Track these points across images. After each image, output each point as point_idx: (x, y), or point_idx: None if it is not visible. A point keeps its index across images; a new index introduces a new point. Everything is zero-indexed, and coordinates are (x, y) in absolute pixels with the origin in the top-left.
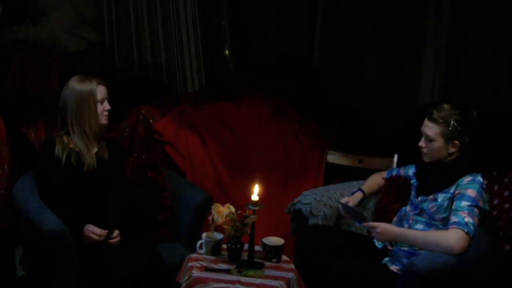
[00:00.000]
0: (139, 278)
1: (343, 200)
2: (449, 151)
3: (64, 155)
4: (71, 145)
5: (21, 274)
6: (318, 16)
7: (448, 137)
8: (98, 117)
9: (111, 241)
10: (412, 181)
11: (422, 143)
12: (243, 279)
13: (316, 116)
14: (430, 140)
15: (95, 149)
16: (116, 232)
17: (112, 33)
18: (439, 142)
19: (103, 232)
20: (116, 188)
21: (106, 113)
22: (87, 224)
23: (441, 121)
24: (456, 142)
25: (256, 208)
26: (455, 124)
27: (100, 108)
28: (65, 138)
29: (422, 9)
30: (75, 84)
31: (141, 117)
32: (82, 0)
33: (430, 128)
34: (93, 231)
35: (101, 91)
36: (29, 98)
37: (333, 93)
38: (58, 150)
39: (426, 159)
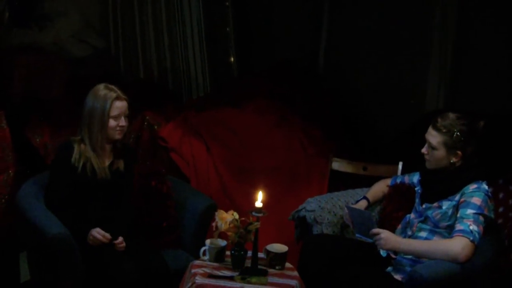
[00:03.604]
0: (143, 284)
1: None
2: (451, 161)
3: (81, 163)
4: (87, 154)
5: (25, 280)
6: (323, 23)
7: (450, 147)
8: (108, 132)
9: (116, 246)
10: (416, 189)
11: (424, 149)
12: (246, 286)
13: (321, 122)
14: (432, 148)
15: (110, 160)
16: (120, 238)
17: (117, 39)
18: (441, 151)
19: (108, 235)
20: (126, 196)
21: (119, 128)
22: (94, 228)
23: (444, 130)
24: (459, 152)
25: (260, 215)
26: (459, 134)
27: (112, 123)
28: (82, 145)
29: (428, 16)
30: (95, 94)
31: (146, 123)
32: (88, 6)
33: (433, 137)
34: (100, 232)
35: (118, 107)
36: (34, 102)
37: (338, 99)
38: (75, 157)
39: (428, 165)
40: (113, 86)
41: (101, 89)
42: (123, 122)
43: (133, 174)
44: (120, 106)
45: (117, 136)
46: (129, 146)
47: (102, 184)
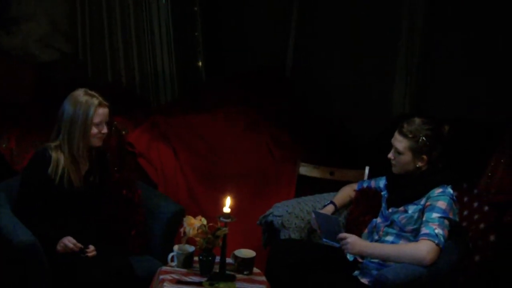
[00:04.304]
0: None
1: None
2: (417, 165)
3: (59, 173)
4: (65, 162)
5: None
6: (291, 28)
7: (416, 152)
8: (89, 139)
9: (87, 254)
10: (383, 193)
11: (391, 154)
12: None
13: (289, 127)
14: (398, 153)
15: (86, 167)
16: (91, 247)
17: (85, 43)
18: (407, 156)
19: (79, 244)
20: (100, 204)
21: (100, 135)
22: (65, 236)
23: (410, 135)
24: (424, 157)
25: (228, 220)
26: (424, 139)
27: (95, 130)
28: (59, 153)
29: (395, 21)
30: (75, 100)
31: (113, 128)
32: (56, 10)
33: (399, 142)
34: (71, 240)
35: (100, 114)
36: (1, 107)
37: (306, 104)
38: (52, 167)
39: (394, 170)
40: (93, 92)
41: (82, 95)
42: (105, 129)
43: (106, 183)
44: (102, 113)
45: (98, 143)
46: (104, 152)
47: (78, 193)
